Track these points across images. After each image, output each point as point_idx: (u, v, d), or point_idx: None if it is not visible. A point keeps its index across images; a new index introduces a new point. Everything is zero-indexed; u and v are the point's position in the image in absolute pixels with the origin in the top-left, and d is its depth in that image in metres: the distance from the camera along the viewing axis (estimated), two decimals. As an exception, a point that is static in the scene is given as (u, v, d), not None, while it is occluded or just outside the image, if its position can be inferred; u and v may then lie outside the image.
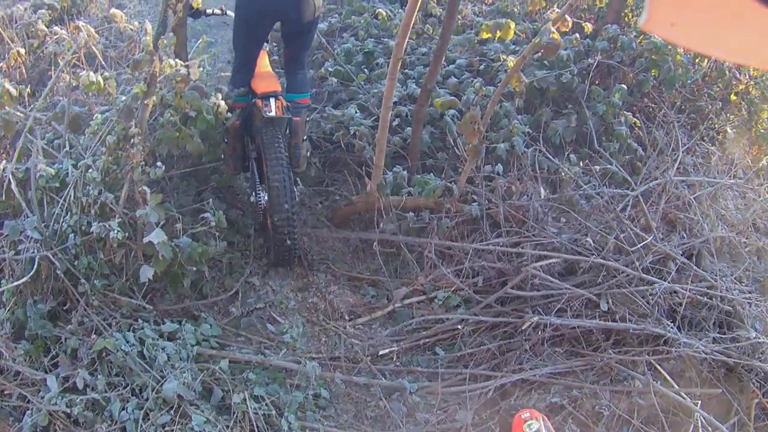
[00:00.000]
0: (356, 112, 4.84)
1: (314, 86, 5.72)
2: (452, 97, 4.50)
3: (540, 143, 4.88)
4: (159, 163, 3.35)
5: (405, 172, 4.53)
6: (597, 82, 5.56)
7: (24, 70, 4.50)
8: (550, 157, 4.84)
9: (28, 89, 4.11)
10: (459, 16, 6.18)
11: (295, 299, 4.25)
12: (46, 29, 4.69)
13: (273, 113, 3.83)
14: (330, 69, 5.77)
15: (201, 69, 3.94)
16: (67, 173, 3.41)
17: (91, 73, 3.39)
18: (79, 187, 3.35)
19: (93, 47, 4.30)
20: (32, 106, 3.96)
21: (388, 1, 7.09)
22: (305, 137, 4.34)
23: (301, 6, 3.89)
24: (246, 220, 4.60)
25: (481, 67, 5.43)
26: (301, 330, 4.00)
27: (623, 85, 5.34)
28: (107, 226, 3.22)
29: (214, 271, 4.11)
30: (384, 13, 6.21)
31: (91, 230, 3.24)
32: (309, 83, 4.66)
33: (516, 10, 6.36)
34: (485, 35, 4.20)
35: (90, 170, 3.27)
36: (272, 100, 3.87)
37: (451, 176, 4.70)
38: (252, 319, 4.05)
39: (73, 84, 4.11)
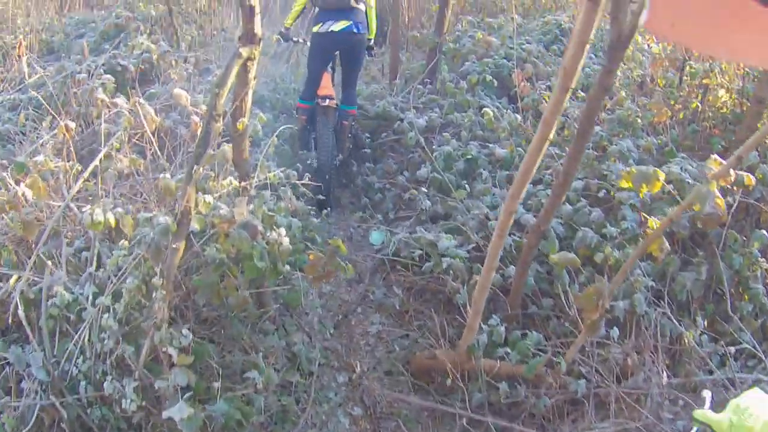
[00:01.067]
0: (452, 241, 4.21)
1: (407, 195, 5.19)
2: (572, 255, 3.77)
3: (664, 300, 4.14)
4: (185, 331, 2.74)
5: (502, 328, 3.86)
6: (732, 223, 4.75)
7: (72, 148, 3.91)
8: (674, 320, 4.08)
9: (73, 172, 3.65)
10: (574, 122, 5.51)
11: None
12: (106, 99, 4.26)
13: (327, 104, 5.51)
14: (426, 175, 5.20)
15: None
16: (86, 304, 2.87)
17: (97, 210, 2.76)
18: (95, 329, 2.81)
19: (148, 131, 3.87)
20: (69, 196, 3.44)
21: (494, 96, 6.50)
22: (350, 134, 5.97)
23: (353, 43, 5.56)
24: (311, 352, 4.04)
25: (600, 193, 4.72)
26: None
27: (763, 231, 4.51)
28: (122, 387, 2.69)
29: (260, 418, 3.54)
30: (491, 113, 5.60)
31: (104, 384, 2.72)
32: (355, 99, 6.01)
33: (638, 121, 5.63)
34: (625, 184, 3.51)
35: (107, 316, 2.73)
36: (327, 100, 5.54)
37: (556, 333, 4.02)
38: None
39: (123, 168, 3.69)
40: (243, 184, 3.08)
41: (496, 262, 3.35)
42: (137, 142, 4.38)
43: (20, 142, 4.99)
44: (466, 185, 4.97)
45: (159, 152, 4.15)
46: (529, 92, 6.23)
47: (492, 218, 4.61)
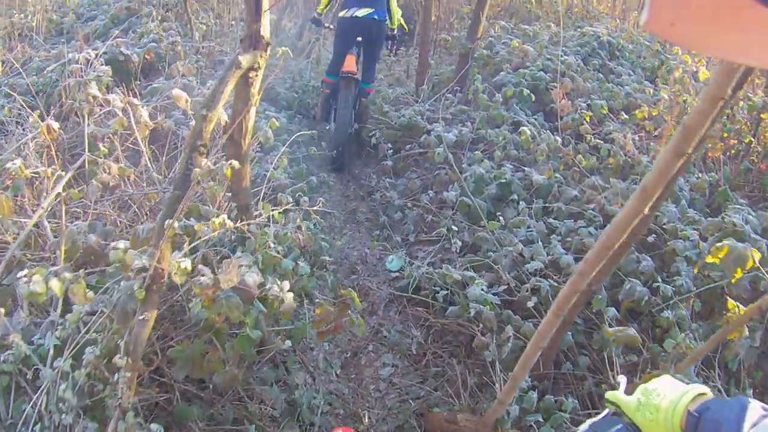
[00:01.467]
0: (482, 284, 3.69)
1: (430, 217, 4.68)
2: (632, 333, 3.20)
3: (715, 366, 3.63)
4: (154, 426, 2.15)
5: (534, 395, 3.35)
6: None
7: (54, 153, 3.38)
8: (722, 388, 3.57)
9: (54, 179, 3.07)
10: (621, 151, 4.99)
11: None
12: (98, 95, 3.76)
13: (348, 78, 5.94)
14: (453, 199, 4.68)
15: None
16: (46, 359, 2.34)
17: (36, 278, 1.97)
18: (53, 396, 2.27)
19: (139, 139, 3.38)
20: (36, 216, 2.89)
21: (530, 111, 5.97)
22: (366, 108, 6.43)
23: (373, 29, 6.09)
24: (314, 397, 3.54)
25: (650, 237, 4.19)
26: None
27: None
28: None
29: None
30: (528, 132, 5.07)
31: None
32: (373, 79, 6.64)
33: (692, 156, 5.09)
34: (712, 260, 2.98)
35: (64, 387, 2.21)
36: (350, 75, 5.98)
37: (591, 397, 3.52)
38: None
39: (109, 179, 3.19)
40: (239, 224, 2.52)
41: (546, 341, 2.83)
42: (132, 146, 3.90)
43: (11, 133, 4.52)
44: (500, 216, 4.43)
45: (155, 159, 3.66)
46: (569, 110, 5.70)
47: (527, 256, 4.10)
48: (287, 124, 5.89)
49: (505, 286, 3.96)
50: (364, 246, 5.09)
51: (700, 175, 5.00)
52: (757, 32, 0.54)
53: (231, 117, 2.62)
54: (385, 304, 4.45)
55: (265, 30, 2.51)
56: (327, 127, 6.48)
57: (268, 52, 2.54)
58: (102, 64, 4.98)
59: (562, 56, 7.15)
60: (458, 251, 4.39)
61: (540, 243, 4.14)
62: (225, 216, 2.15)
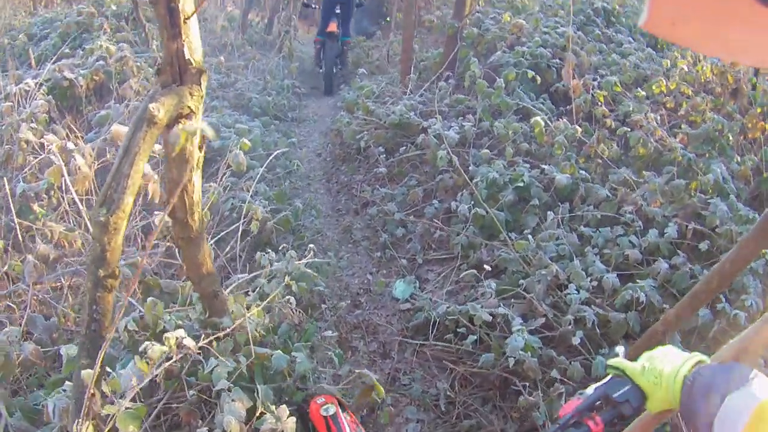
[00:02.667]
0: (524, 336, 3.01)
1: (437, 232, 4.01)
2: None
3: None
4: None
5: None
6: None
7: None
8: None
9: None
10: (650, 137, 4.35)
11: None
12: (33, 138, 3.07)
13: (332, 32, 8.15)
14: (466, 212, 4.02)
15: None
16: None
17: None
18: None
19: (75, 197, 2.69)
20: None
21: (533, 92, 5.29)
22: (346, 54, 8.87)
23: (347, 1, 8.47)
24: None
25: (702, 244, 3.55)
26: None
27: None
28: None
29: None
30: (542, 123, 4.40)
31: None
32: (349, 32, 8.77)
33: (729, 137, 4.46)
34: None
35: None
36: (333, 32, 8.20)
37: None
38: None
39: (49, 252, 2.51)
40: (204, 341, 1.77)
41: None
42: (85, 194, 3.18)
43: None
44: (529, 235, 3.75)
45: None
46: (581, 92, 5.03)
47: (562, 277, 3.45)
48: (262, 134, 5.16)
49: (543, 319, 3.31)
50: (365, 271, 4.41)
51: (739, 159, 4.36)
52: (757, 32, 0.55)
53: (166, 188, 1.88)
54: (399, 343, 3.80)
55: (193, 48, 1.71)
56: (320, 71, 8.69)
57: (204, 84, 1.76)
58: (45, 94, 4.25)
59: (557, 27, 6.47)
60: (472, 267, 3.74)
61: (576, 260, 3.49)
62: (181, 333, 1.45)
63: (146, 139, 1.48)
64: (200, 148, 1.77)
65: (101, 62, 4.84)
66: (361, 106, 5.37)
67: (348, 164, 5.60)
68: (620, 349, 1.43)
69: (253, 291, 2.78)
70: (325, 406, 2.45)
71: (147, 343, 1.51)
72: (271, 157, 3.91)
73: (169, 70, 1.64)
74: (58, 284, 2.63)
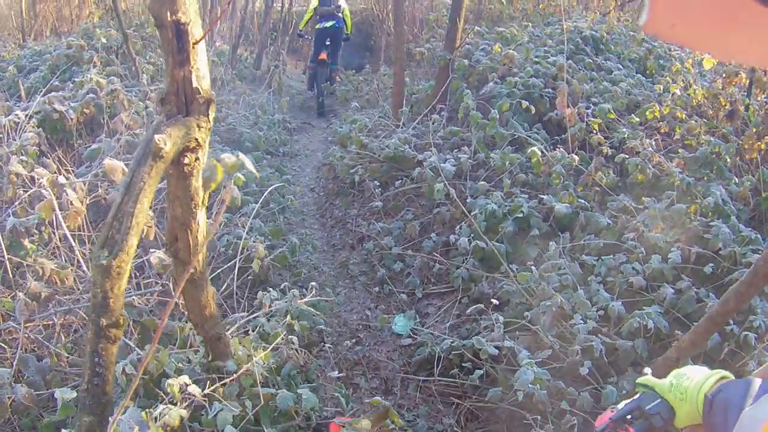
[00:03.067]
0: (534, 370, 2.92)
1: (437, 266, 3.94)
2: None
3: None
4: None
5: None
6: None
7: None
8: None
9: None
10: (648, 163, 4.33)
11: None
12: (22, 171, 3.00)
13: (323, 60, 9.08)
14: (466, 245, 3.96)
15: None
16: None
17: None
18: None
19: (67, 233, 2.61)
20: None
21: (527, 123, 5.28)
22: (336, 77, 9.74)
23: (336, 33, 9.30)
24: None
25: (706, 267, 3.50)
26: None
27: None
28: None
29: None
30: (539, 153, 4.38)
31: None
32: (337, 61, 9.72)
33: (727, 159, 4.45)
34: None
35: None
36: (324, 60, 9.13)
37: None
38: None
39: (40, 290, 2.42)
40: (210, 388, 1.69)
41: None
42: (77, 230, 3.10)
43: None
44: (532, 266, 3.68)
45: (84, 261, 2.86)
46: (575, 121, 5.02)
47: (567, 308, 3.38)
48: (256, 167, 5.11)
49: (549, 351, 3.23)
50: (363, 307, 4.32)
51: (737, 180, 4.35)
52: (757, 32, 0.55)
53: (167, 227, 1.79)
54: (402, 379, 3.70)
55: (201, 76, 1.62)
56: (312, 92, 9.77)
57: (212, 115, 1.67)
58: (35, 126, 4.19)
59: (547, 57, 6.50)
60: (474, 301, 3.67)
61: (580, 290, 3.43)
62: (186, 380, 1.37)
63: (152, 174, 1.39)
64: (209, 185, 1.67)
65: (92, 95, 4.78)
66: (354, 140, 5.33)
67: (342, 198, 5.54)
68: (648, 369, 1.47)
69: (253, 330, 2.69)
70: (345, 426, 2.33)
71: (162, 406, 1.41)
72: (266, 193, 3.85)
73: (174, 100, 1.54)
74: (50, 323, 2.53)
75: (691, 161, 4.36)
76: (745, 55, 0.62)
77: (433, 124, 5.41)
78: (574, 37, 7.21)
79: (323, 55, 9.13)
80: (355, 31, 10.89)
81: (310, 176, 6.42)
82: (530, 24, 8.25)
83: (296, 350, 2.58)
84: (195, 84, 1.56)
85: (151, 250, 2.74)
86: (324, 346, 3.86)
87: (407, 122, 5.88)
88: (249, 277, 3.77)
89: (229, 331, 2.42)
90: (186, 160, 1.57)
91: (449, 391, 3.49)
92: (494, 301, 3.48)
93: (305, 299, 2.88)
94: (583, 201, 4.17)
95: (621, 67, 6.86)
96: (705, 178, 4.29)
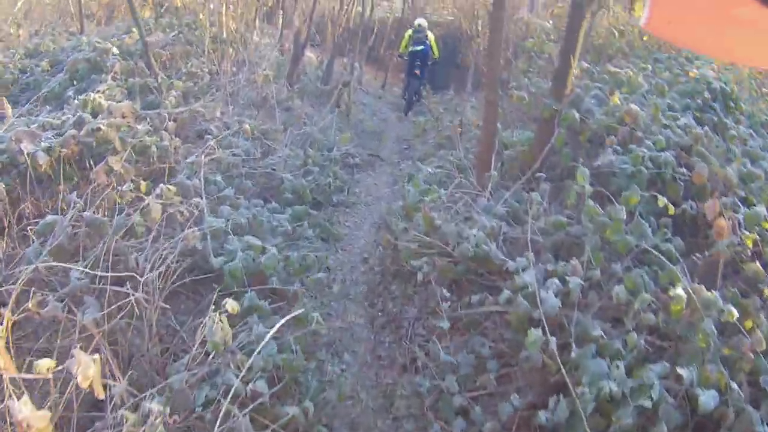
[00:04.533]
0: None
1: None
2: None
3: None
4: None
5: None
6: None
7: None
8: None
9: None
10: None
11: None
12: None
13: (415, 74, 11.55)
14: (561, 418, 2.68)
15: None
16: None
17: None
18: None
19: None
20: None
21: (652, 216, 3.93)
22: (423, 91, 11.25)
23: (425, 56, 11.45)
24: None
25: None
26: None
27: None
28: None
29: None
30: (684, 298, 3.05)
31: None
32: (425, 77, 11.61)
33: None
34: None
35: None
36: (416, 74, 11.53)
37: None
38: None
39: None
40: None
41: None
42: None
43: None
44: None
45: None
46: (728, 233, 3.63)
47: None
48: (285, 247, 3.90)
49: None
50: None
51: None
52: (754, 32, 0.56)
53: None
54: None
55: None
56: (404, 97, 11.73)
57: None
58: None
59: (676, 118, 5.08)
60: None
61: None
62: None
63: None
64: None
65: (73, 131, 3.66)
66: (424, 219, 4.03)
67: (400, 284, 4.32)
68: None
69: None
70: None
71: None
72: (280, 323, 2.68)
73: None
74: None
75: None
76: (743, 55, 0.67)
77: (530, 205, 4.09)
78: (700, 88, 5.70)
79: (416, 72, 11.47)
80: (441, 45, 12.20)
81: (366, 237, 5.20)
82: (640, 61, 6.76)
83: None
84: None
85: None
86: None
87: (494, 190, 4.58)
88: None
89: None
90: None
91: None
92: None
93: None
94: (735, 387, 2.83)
95: (754, 134, 5.39)
96: None
